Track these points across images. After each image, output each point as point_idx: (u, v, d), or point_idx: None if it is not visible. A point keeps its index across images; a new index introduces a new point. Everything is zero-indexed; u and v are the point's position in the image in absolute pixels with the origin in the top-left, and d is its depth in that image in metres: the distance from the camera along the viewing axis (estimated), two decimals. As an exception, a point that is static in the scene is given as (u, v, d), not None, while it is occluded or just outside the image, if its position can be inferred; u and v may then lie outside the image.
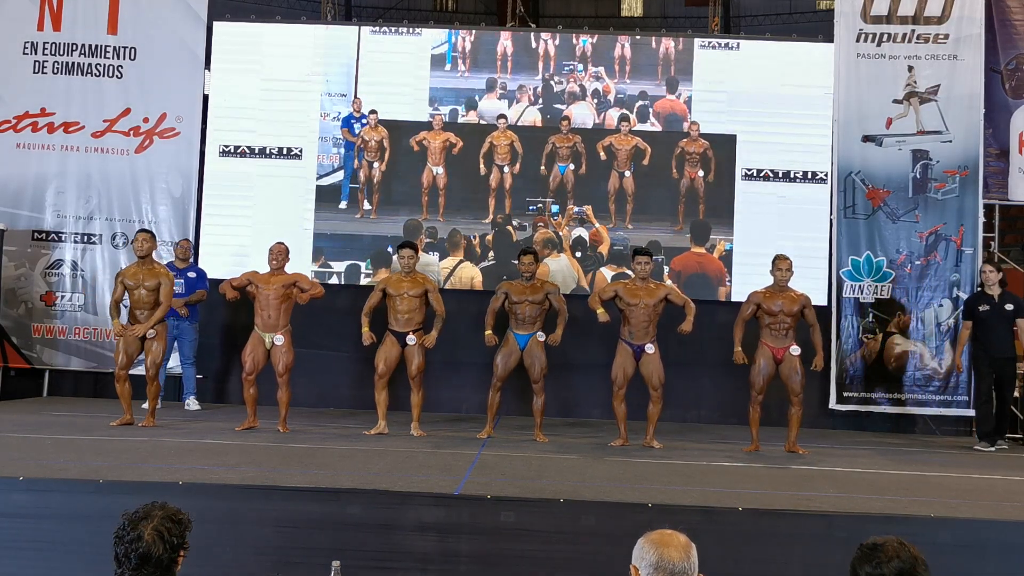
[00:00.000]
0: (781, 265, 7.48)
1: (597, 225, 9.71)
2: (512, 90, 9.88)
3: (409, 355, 7.59)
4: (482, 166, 9.79)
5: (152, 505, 2.75)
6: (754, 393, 7.48)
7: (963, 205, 9.37)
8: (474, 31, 10.16)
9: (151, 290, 7.56)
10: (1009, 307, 8.15)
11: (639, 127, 9.80)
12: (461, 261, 9.75)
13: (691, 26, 17.78)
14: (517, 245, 9.44)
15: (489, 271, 9.62)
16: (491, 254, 9.75)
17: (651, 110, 9.83)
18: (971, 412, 9.09)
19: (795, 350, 7.43)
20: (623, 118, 9.80)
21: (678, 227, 9.73)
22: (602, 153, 9.79)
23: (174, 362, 9.14)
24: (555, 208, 9.74)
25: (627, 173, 9.76)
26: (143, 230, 7.93)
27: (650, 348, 7.42)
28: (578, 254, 9.74)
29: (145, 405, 7.65)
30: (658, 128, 9.82)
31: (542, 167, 9.79)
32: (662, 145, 9.79)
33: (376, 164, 9.83)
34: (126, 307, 7.88)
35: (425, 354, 7.63)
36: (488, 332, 7.66)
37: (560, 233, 9.74)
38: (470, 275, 9.69)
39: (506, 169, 9.79)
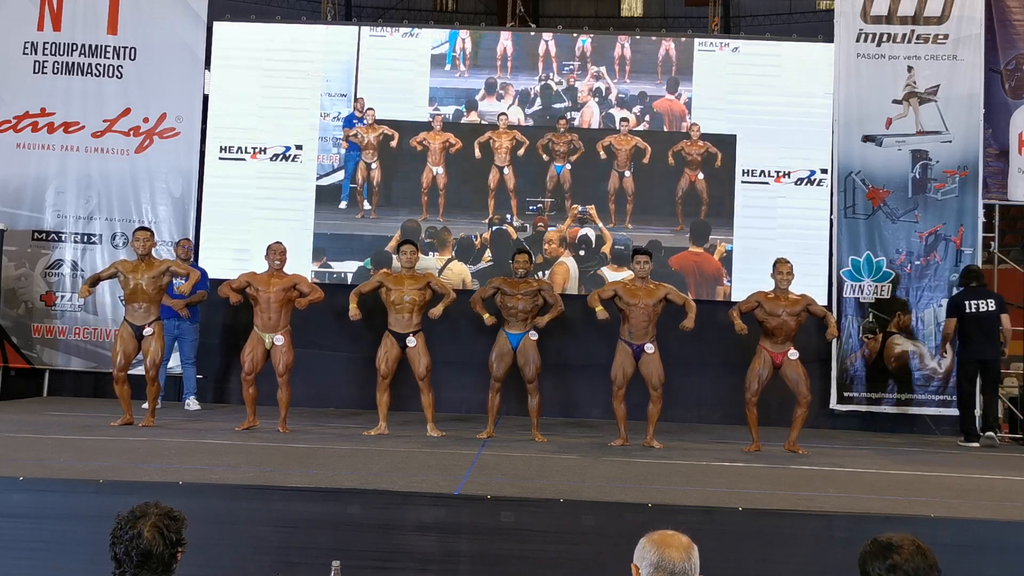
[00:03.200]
0: (782, 269, 7.46)
1: (600, 225, 9.72)
2: (510, 90, 9.89)
3: (414, 356, 7.59)
4: (477, 151, 9.77)
5: (146, 504, 2.76)
6: (748, 395, 7.48)
7: (963, 205, 9.38)
8: (474, 31, 10.16)
9: (152, 279, 7.49)
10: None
11: (639, 127, 9.81)
12: (451, 259, 9.75)
13: (691, 26, 17.77)
14: (516, 245, 9.44)
15: (489, 272, 9.62)
16: (488, 253, 9.75)
17: (651, 110, 9.83)
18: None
19: (793, 354, 7.43)
20: (623, 118, 9.80)
21: (678, 227, 9.73)
22: (602, 153, 9.79)
23: (174, 362, 9.14)
24: (552, 229, 9.75)
25: (627, 173, 9.76)
26: (142, 228, 7.85)
27: (650, 348, 7.41)
28: (582, 253, 9.73)
29: (145, 405, 7.64)
30: (658, 128, 9.82)
31: (544, 156, 9.78)
32: (662, 145, 9.79)
33: (374, 164, 9.83)
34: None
35: (430, 353, 7.65)
36: (486, 315, 7.72)
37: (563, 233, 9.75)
38: (459, 273, 9.67)
39: (506, 170, 9.80)
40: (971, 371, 8.60)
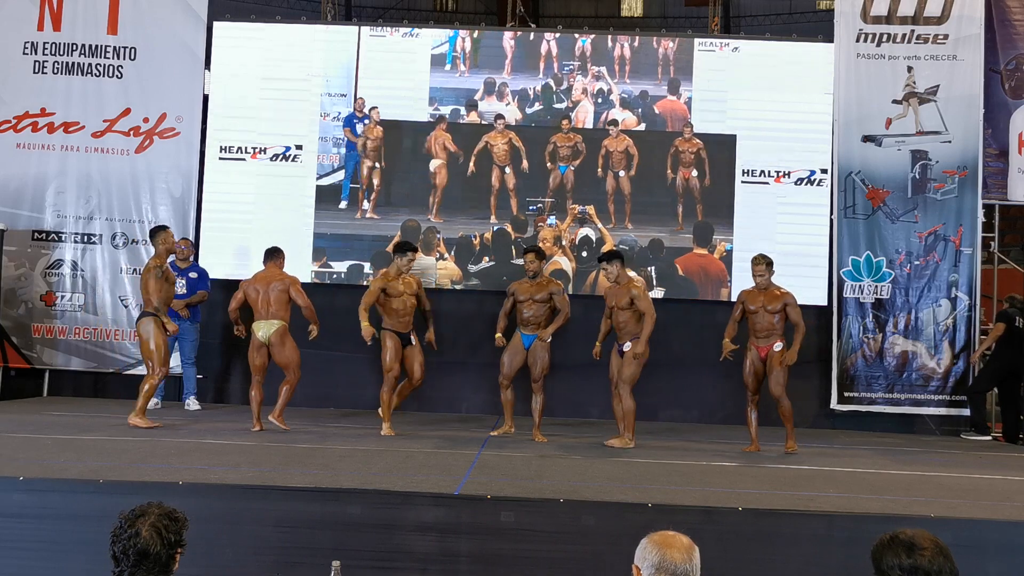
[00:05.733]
0: (756, 269, 7.42)
1: (600, 225, 9.71)
2: (510, 90, 9.88)
3: (412, 355, 7.62)
4: (472, 167, 9.77)
5: (149, 504, 2.76)
6: (749, 394, 7.48)
7: (962, 205, 9.38)
8: (474, 31, 10.16)
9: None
10: None
11: (639, 127, 9.80)
12: (441, 258, 9.74)
13: (691, 26, 17.77)
14: (516, 244, 9.44)
15: (489, 272, 9.61)
16: (490, 253, 9.74)
17: (652, 111, 9.82)
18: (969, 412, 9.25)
19: (778, 346, 7.37)
20: (621, 119, 9.79)
21: (678, 227, 9.73)
22: (600, 159, 9.78)
23: (175, 362, 9.12)
24: (551, 221, 9.73)
25: (622, 173, 9.76)
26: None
27: (627, 347, 7.37)
28: (584, 254, 9.71)
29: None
30: (658, 128, 9.81)
31: (548, 163, 9.77)
32: (660, 146, 9.78)
33: (374, 164, 9.83)
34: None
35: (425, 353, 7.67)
36: (498, 335, 7.72)
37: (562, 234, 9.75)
38: (447, 273, 9.66)
39: (507, 170, 9.79)
40: (997, 377, 9.04)
